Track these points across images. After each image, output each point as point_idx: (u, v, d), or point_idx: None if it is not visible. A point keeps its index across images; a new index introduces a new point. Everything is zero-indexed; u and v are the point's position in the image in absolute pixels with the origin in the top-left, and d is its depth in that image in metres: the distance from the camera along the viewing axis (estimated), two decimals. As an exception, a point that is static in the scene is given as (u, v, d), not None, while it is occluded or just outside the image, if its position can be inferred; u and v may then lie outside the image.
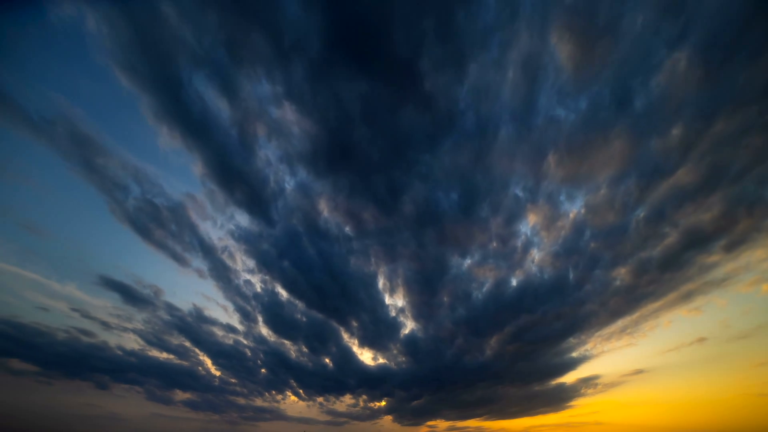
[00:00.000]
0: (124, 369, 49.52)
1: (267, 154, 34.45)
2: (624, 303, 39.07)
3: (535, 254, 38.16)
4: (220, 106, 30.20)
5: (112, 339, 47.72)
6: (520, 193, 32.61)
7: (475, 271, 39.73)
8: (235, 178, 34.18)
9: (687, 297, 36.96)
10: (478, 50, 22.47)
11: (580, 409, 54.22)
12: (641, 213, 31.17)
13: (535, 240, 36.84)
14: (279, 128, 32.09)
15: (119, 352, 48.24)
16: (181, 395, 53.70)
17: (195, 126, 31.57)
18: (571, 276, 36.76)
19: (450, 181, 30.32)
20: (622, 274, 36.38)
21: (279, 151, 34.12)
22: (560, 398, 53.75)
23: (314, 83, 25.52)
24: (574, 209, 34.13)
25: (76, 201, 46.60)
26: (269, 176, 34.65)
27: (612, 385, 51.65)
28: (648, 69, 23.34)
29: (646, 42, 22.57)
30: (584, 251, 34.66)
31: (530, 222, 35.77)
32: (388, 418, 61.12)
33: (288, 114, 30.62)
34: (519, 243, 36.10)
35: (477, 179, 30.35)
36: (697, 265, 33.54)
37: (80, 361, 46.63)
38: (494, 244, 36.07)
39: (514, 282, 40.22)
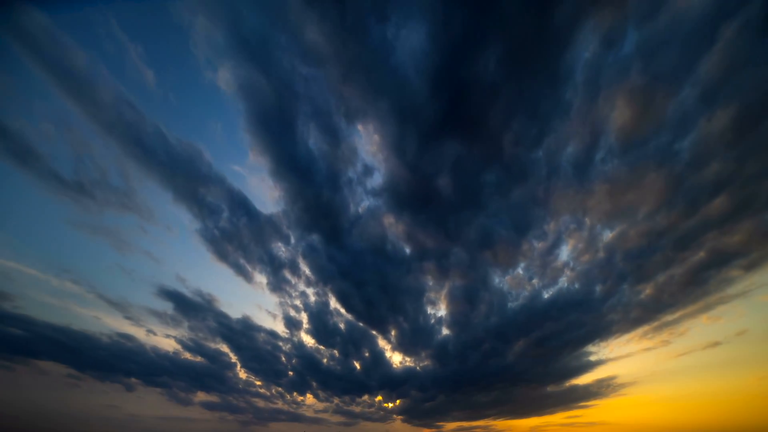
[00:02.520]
0: (154, 373, 51.49)
1: (351, 187, 38.30)
2: (644, 313, 42.37)
3: (568, 272, 42.19)
4: (318, 147, 34.82)
5: (151, 343, 49.91)
6: (564, 226, 38.77)
7: (513, 285, 44.41)
8: (317, 205, 38.31)
9: (706, 308, 40.23)
10: (558, 125, 28.88)
11: (591, 409, 56.13)
12: (671, 238, 34.06)
13: (570, 261, 41.31)
14: (368, 167, 37.45)
15: (153, 355, 50.23)
16: (201, 396, 55.27)
17: (288, 160, 35.88)
18: (597, 290, 40.86)
19: (509, 215, 36.65)
20: (645, 288, 39.94)
21: (362, 185, 38.75)
22: (572, 399, 56.22)
23: (412, 137, 30.94)
24: (608, 235, 37.70)
25: (167, 225, 47.22)
26: (349, 206, 38.85)
27: (625, 386, 53.07)
28: (688, 126, 27.61)
29: (688, 105, 26.77)
30: (613, 270, 38.64)
31: (569, 247, 40.38)
32: (399, 418, 63.19)
33: (379, 156, 35.81)
34: (556, 263, 41.06)
35: (531, 214, 36.61)
36: (718, 280, 36.54)
37: (114, 365, 48.75)
38: (534, 264, 41.60)
39: (545, 295, 44.18)
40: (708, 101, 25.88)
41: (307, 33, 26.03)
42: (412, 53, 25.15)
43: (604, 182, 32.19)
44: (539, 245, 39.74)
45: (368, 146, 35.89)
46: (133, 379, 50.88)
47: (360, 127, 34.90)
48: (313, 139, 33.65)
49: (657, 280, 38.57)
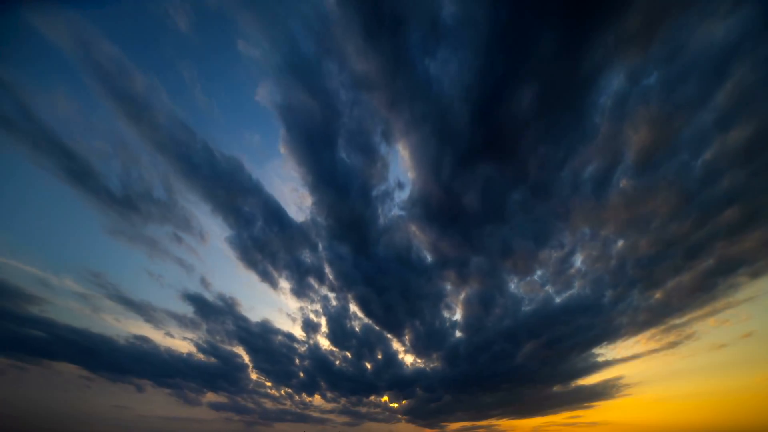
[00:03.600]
0: (166, 374, 52.31)
1: (382, 201, 40.44)
2: (653, 316, 43.92)
3: (581, 278, 43.66)
4: (354, 163, 36.99)
5: (166, 344, 50.89)
6: (580, 237, 40.37)
7: (528, 290, 46.04)
8: (349, 217, 40.23)
9: (713, 312, 41.84)
10: (581, 149, 31.55)
11: (597, 410, 57.26)
12: (681, 247, 35.54)
13: (583, 268, 42.79)
14: (400, 182, 40.09)
15: (166, 356, 51.04)
16: (209, 397, 55.82)
17: (325, 175, 37.99)
18: (608, 294, 42.44)
19: (530, 228, 39.34)
20: (655, 294, 41.53)
21: (393, 199, 40.89)
22: (577, 399, 57.24)
23: (449, 159, 33.40)
24: (621, 243, 39.11)
25: (201, 234, 48.04)
26: (379, 218, 40.95)
27: (630, 386, 53.87)
28: (703, 147, 29.44)
29: (704, 129, 28.58)
30: (624, 277, 40.27)
31: (582, 255, 41.91)
32: (404, 418, 64.09)
33: (412, 173, 38.11)
34: (570, 271, 42.84)
35: (550, 227, 39.09)
36: (725, 285, 38.11)
37: (127, 366, 49.64)
38: (549, 271, 43.39)
39: (557, 299, 45.76)
40: (723, 125, 27.85)
41: (358, 63, 28.29)
42: (455, 85, 27.60)
43: (620, 197, 34.90)
44: (555, 254, 42.55)
45: (402, 164, 38.34)
46: (143, 380, 51.70)
47: (399, 146, 37.18)
48: (350, 157, 35.98)
49: (666, 287, 40.27)
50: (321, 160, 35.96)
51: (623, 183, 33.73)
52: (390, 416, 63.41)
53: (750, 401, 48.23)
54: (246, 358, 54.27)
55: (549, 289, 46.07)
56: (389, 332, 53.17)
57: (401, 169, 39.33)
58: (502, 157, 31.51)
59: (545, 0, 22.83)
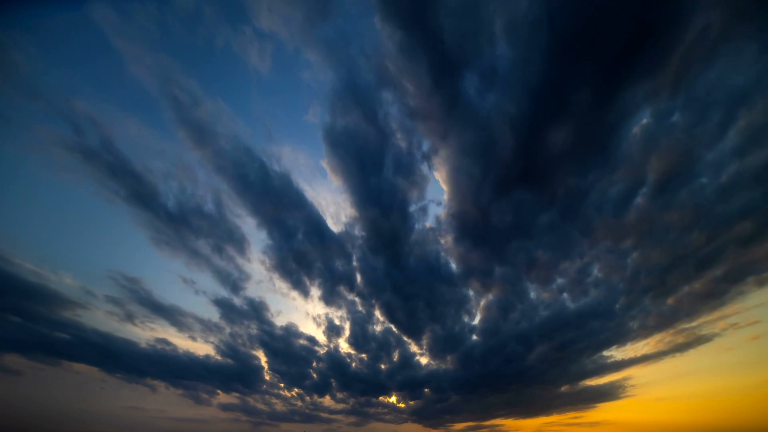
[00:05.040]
0: (183, 376, 52.97)
1: (419, 217, 43.20)
2: (663, 320, 46.00)
3: (596, 286, 45.53)
4: (397, 183, 39.87)
5: (185, 347, 51.70)
6: (599, 250, 42.48)
7: (545, 297, 48.29)
8: (388, 232, 42.90)
9: (722, 317, 44.01)
10: (607, 175, 35.28)
11: (604, 410, 58.69)
12: (695, 257, 37.68)
13: (600, 276, 44.68)
14: (437, 201, 42.09)
15: (185, 359, 51.65)
16: (221, 398, 56.32)
17: (369, 193, 40.51)
18: (621, 300, 44.48)
19: (554, 243, 43.05)
20: (666, 300, 43.64)
21: (428, 216, 44.16)
22: (585, 399, 58.81)
23: (489, 184, 36.76)
24: (636, 254, 40.97)
25: (242, 245, 49.25)
26: (414, 233, 43.48)
27: (637, 387, 55.11)
28: (721, 170, 31.82)
29: (723, 155, 31.04)
30: (637, 285, 42.31)
31: (598, 266, 44.00)
32: (410, 418, 65.28)
33: (447, 191, 41.29)
34: (587, 280, 45.03)
35: (573, 242, 42.59)
36: (735, 292, 40.18)
37: (144, 368, 50.20)
38: (567, 280, 45.72)
39: (572, 305, 47.60)
40: (741, 152, 30.25)
41: (415, 98, 31.19)
42: (504, 121, 30.85)
43: (639, 215, 37.81)
44: (574, 265, 46.10)
45: (438, 181, 41.37)
46: (157, 381, 52.19)
47: (439, 167, 40.03)
48: (395, 177, 38.84)
49: (677, 294, 42.53)
50: (367, 180, 38.60)
51: (643, 202, 37.01)
52: (397, 416, 64.44)
53: (754, 401, 50.05)
54: (263, 360, 55.23)
55: (565, 296, 48.93)
56: (409, 336, 54.82)
57: (436, 185, 42.40)
58: (535, 184, 34.98)
59: (585, 60, 26.28)
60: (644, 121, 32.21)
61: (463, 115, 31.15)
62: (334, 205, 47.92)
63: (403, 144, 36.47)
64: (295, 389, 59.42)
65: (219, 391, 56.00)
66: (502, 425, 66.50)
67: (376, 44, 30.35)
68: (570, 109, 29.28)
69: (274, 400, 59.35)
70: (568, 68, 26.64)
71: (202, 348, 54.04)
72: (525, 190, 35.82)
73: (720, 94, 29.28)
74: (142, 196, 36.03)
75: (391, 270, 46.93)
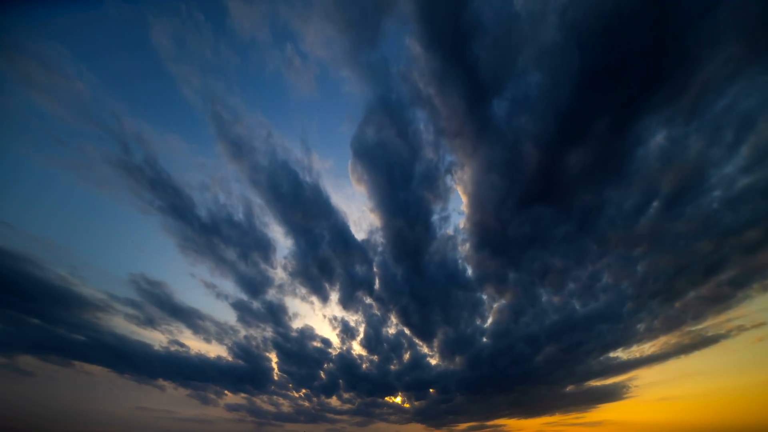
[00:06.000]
0: (192, 377, 53.40)
1: (441, 228, 44.86)
2: (669, 322, 47.14)
3: (605, 291, 46.88)
4: (423, 196, 41.75)
5: (197, 348, 52.09)
6: (611, 258, 43.66)
7: (556, 300, 49.66)
8: (411, 242, 44.89)
9: (728, 321, 45.06)
10: (621, 192, 37.67)
11: (603, 410, 59.67)
12: (703, 263, 38.92)
13: (609, 282, 45.90)
14: (459, 213, 43.47)
15: (196, 360, 52.07)
16: (228, 398, 56.50)
17: (395, 205, 42.04)
18: (628, 304, 45.82)
19: (568, 252, 45.43)
20: (674, 304, 44.85)
21: (450, 226, 45.77)
22: (587, 399, 59.74)
23: (512, 200, 38.89)
24: (646, 261, 42.06)
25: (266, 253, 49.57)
26: (435, 242, 45.16)
27: (641, 387, 55.94)
28: (732, 185, 33.66)
29: (733, 171, 33.18)
30: (645, 290, 43.50)
31: (609, 273, 45.08)
32: (415, 418, 65.77)
33: (471, 207, 43.26)
34: (597, 285, 46.29)
35: (586, 251, 45.12)
36: (740, 297, 41.34)
37: (156, 370, 50.82)
38: (578, 285, 47.26)
39: (581, 309, 48.97)
40: (749, 169, 31.88)
41: (448, 120, 33.09)
42: (529, 141, 33.00)
43: (651, 225, 40.05)
44: (586, 272, 48.39)
45: (461, 195, 43.39)
46: (166, 382, 52.50)
47: (463, 182, 41.73)
48: (420, 190, 40.71)
49: (685, 298, 43.84)
50: (396, 194, 40.19)
51: (654, 215, 38.74)
52: (401, 417, 65.06)
53: (757, 401, 50.89)
54: (273, 362, 55.73)
55: (575, 300, 50.07)
56: (421, 339, 55.89)
57: (455, 194, 44.25)
58: (554, 199, 37.17)
59: (606, 92, 28.50)
60: (658, 141, 34.38)
61: (491, 135, 33.24)
62: (358, 212, 49.40)
63: (430, 158, 38.43)
64: (303, 390, 59.99)
65: (227, 392, 56.49)
66: (504, 425, 67.45)
67: (413, 66, 32.20)
68: (591, 134, 31.47)
69: (281, 401, 59.92)
70: (593, 97, 28.81)
71: (215, 350, 54.78)
72: (544, 205, 38.02)
73: (732, 118, 31.26)
74: (178, 207, 37.41)
75: (411, 276, 48.39)
